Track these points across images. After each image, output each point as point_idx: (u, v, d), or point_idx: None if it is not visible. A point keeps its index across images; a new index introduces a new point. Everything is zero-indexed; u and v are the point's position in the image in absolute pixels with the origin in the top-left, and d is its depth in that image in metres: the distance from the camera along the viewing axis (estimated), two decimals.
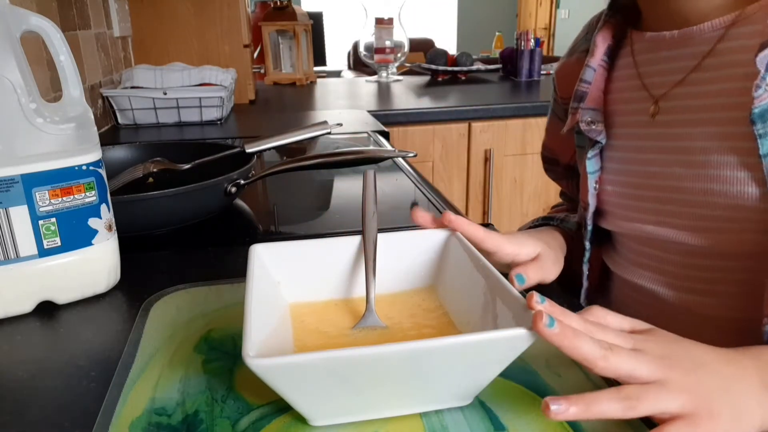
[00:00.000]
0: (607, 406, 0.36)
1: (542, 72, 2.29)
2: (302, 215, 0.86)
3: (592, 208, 0.66)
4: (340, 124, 0.97)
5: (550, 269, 0.60)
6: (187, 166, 0.85)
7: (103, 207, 0.58)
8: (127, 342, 0.50)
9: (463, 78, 2.32)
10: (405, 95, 1.96)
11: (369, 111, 1.64)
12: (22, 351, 0.51)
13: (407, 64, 2.46)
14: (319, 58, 3.65)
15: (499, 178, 1.77)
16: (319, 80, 2.35)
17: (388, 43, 2.34)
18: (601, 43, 0.64)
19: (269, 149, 0.87)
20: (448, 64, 2.33)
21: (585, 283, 0.70)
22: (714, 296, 0.57)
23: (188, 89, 1.48)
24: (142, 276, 0.63)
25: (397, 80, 2.34)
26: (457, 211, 0.83)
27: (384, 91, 2.08)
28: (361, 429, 0.39)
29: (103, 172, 0.58)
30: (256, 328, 0.38)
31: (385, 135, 1.37)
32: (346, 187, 0.98)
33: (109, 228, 0.59)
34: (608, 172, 0.65)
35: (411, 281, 0.53)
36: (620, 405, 0.36)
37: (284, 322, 0.47)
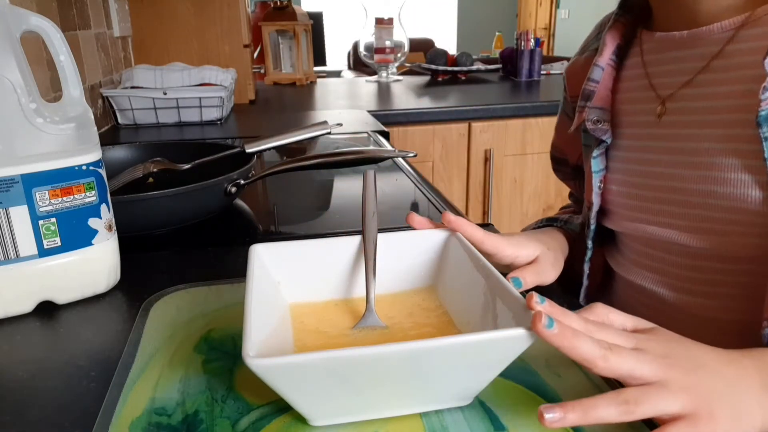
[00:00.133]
0: (605, 411, 0.36)
1: (542, 72, 2.29)
2: (302, 215, 0.86)
3: (595, 207, 0.66)
4: (340, 124, 0.97)
5: (548, 272, 0.60)
6: (187, 166, 0.85)
7: (103, 207, 0.58)
8: (127, 342, 0.50)
9: (463, 78, 2.32)
10: (405, 95, 1.96)
11: (369, 111, 1.64)
12: (22, 351, 0.51)
13: (407, 64, 2.46)
14: (319, 58, 3.65)
15: (499, 178, 1.77)
16: (319, 80, 2.35)
17: (388, 43, 2.34)
18: (610, 42, 0.64)
19: (269, 149, 0.87)
20: (448, 64, 2.33)
21: (585, 282, 0.70)
22: (715, 298, 0.57)
23: (188, 89, 1.48)
24: (142, 276, 0.63)
25: (397, 80, 2.34)
26: (457, 211, 0.83)
27: (384, 91, 2.08)
28: (361, 429, 0.39)
29: (103, 172, 0.58)
30: (256, 328, 0.38)
31: (385, 135, 1.37)
32: (346, 187, 0.98)
33: (109, 228, 0.59)
34: (613, 171, 0.65)
35: (411, 281, 0.53)
36: (619, 409, 0.36)
37: (284, 322, 0.47)
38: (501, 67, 2.37)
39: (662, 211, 0.59)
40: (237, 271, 0.60)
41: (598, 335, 0.38)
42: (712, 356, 0.41)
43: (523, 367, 0.45)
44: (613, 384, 0.43)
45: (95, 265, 0.59)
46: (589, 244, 0.68)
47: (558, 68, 2.55)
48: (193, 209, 0.75)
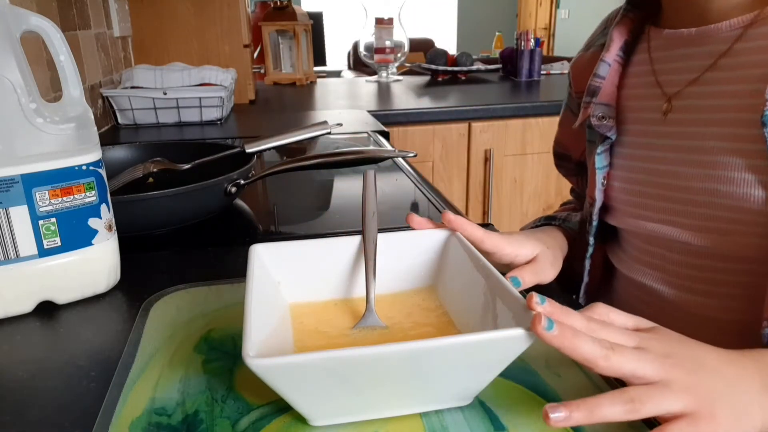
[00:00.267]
0: (609, 409, 0.36)
1: (542, 72, 2.29)
2: (302, 215, 0.86)
3: (598, 204, 0.66)
4: (340, 124, 0.97)
5: (547, 271, 0.60)
6: (187, 166, 0.85)
7: (103, 207, 0.58)
8: (127, 342, 0.50)
9: (463, 78, 2.32)
10: (405, 95, 1.96)
11: (369, 111, 1.64)
12: (22, 351, 0.51)
13: (407, 64, 2.46)
14: (319, 58, 3.65)
15: (499, 178, 1.77)
16: (319, 80, 2.35)
17: (388, 43, 2.34)
18: (618, 38, 0.63)
19: (269, 149, 0.87)
20: (448, 64, 2.33)
21: (585, 279, 0.70)
22: (716, 298, 0.57)
23: (188, 89, 1.48)
24: (142, 276, 0.63)
25: (397, 80, 2.34)
26: (457, 211, 0.83)
27: (384, 91, 2.08)
28: (361, 429, 0.39)
29: (103, 172, 0.58)
30: (256, 328, 0.38)
31: (385, 135, 1.37)
32: (346, 187, 0.98)
33: (109, 228, 0.59)
34: (617, 168, 0.64)
35: (411, 281, 0.53)
36: (623, 408, 0.36)
37: (284, 322, 0.47)
38: (501, 67, 2.37)
39: (665, 209, 0.59)
40: (237, 271, 0.60)
41: (600, 334, 0.38)
42: (713, 356, 0.41)
43: (523, 367, 0.45)
44: (613, 384, 0.43)
45: (95, 265, 0.59)
46: (591, 240, 0.68)
47: (558, 68, 2.55)
48: (193, 209, 0.75)
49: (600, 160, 0.64)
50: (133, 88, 1.47)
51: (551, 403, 0.36)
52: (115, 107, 1.46)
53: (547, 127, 1.73)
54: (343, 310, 0.50)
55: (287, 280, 0.50)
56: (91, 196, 0.57)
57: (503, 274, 0.45)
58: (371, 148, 1.22)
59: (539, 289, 0.60)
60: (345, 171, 1.03)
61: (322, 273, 0.51)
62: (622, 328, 0.40)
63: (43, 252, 0.55)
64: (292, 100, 1.92)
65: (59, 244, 0.55)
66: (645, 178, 0.61)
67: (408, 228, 0.53)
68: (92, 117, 0.58)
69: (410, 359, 0.36)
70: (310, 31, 2.18)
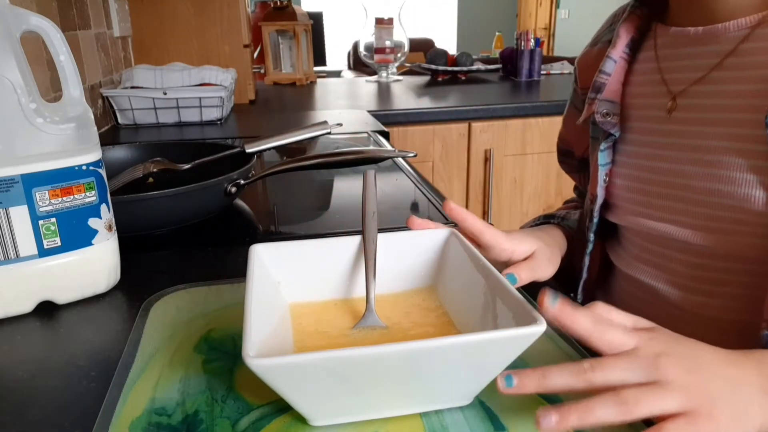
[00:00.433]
0: (603, 412, 0.36)
1: (542, 72, 2.29)
2: (302, 215, 0.86)
3: (599, 201, 0.66)
4: (340, 124, 0.97)
5: (544, 268, 0.60)
6: (187, 166, 0.85)
7: (103, 207, 0.58)
8: (127, 342, 0.50)
9: (463, 78, 2.32)
10: (405, 95, 1.96)
11: (369, 111, 1.64)
12: (22, 351, 0.51)
13: (407, 64, 2.46)
14: (319, 58, 3.65)
15: (499, 178, 1.77)
16: (319, 80, 2.35)
17: (388, 43, 2.34)
18: (624, 35, 0.63)
19: (269, 149, 0.87)
20: (448, 64, 2.33)
21: (584, 275, 0.70)
22: (716, 298, 0.57)
23: (188, 89, 1.48)
24: (142, 276, 0.63)
25: (397, 80, 2.34)
26: None
27: (384, 91, 2.08)
28: (361, 429, 0.39)
29: (103, 172, 0.58)
30: (256, 328, 0.38)
31: (385, 135, 1.37)
32: (346, 187, 0.98)
33: (109, 228, 0.59)
34: (619, 165, 0.64)
35: (411, 281, 0.53)
36: (617, 410, 0.36)
37: (284, 322, 0.47)
38: (501, 67, 2.37)
39: (666, 207, 0.59)
40: (237, 271, 0.60)
41: (606, 334, 0.38)
42: (712, 356, 0.41)
43: (523, 367, 0.45)
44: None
45: (95, 265, 0.59)
46: (591, 237, 0.68)
47: (558, 68, 2.55)
48: (193, 209, 0.75)
49: (603, 157, 0.64)
50: (133, 88, 1.46)
51: (543, 407, 0.36)
52: (115, 107, 1.46)
53: (547, 127, 1.73)
54: (343, 310, 0.50)
55: (287, 280, 0.50)
56: (91, 196, 0.57)
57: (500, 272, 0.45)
58: (371, 148, 1.22)
59: (537, 285, 0.60)
60: (345, 171, 1.03)
61: (322, 273, 0.51)
62: (623, 327, 0.40)
63: (43, 252, 0.55)
64: (292, 100, 1.92)
65: (59, 244, 0.55)
66: (647, 176, 0.61)
67: (408, 228, 0.53)
68: (92, 117, 0.58)
69: (410, 359, 0.36)
70: (310, 31, 2.18)
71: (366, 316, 0.47)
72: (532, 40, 2.22)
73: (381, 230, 0.52)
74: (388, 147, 1.27)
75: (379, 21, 2.32)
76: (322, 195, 0.95)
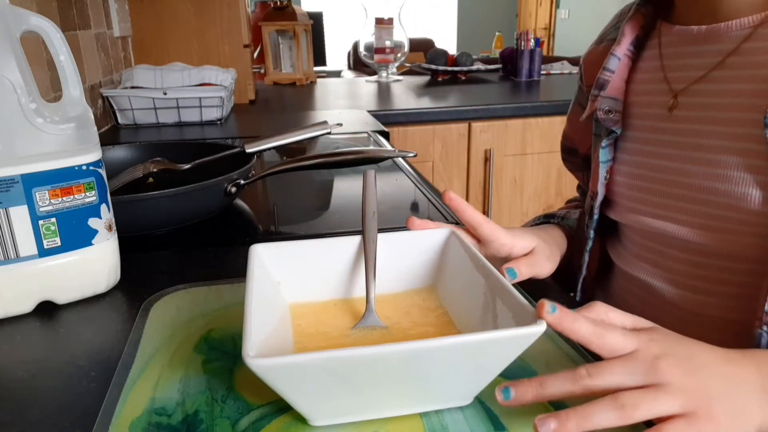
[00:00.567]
0: (601, 417, 0.36)
1: (542, 72, 2.29)
2: (302, 215, 0.86)
3: (600, 198, 0.66)
4: (340, 124, 0.97)
5: (543, 265, 0.60)
6: (187, 166, 0.85)
7: (103, 207, 0.58)
8: (127, 342, 0.50)
9: (463, 78, 2.32)
10: (405, 95, 1.96)
11: (369, 111, 1.64)
12: (22, 351, 0.51)
13: (407, 64, 2.46)
14: (319, 58, 3.65)
15: (499, 178, 1.77)
16: (319, 80, 2.35)
17: (388, 43, 2.34)
18: (629, 33, 0.63)
19: (269, 149, 0.87)
20: (448, 64, 2.33)
21: (583, 272, 0.70)
22: (714, 296, 0.57)
23: (188, 89, 1.48)
24: (142, 276, 0.63)
25: (397, 80, 2.34)
26: None
27: (384, 91, 2.08)
28: (361, 429, 0.39)
29: (103, 172, 0.58)
30: (256, 328, 0.38)
31: (385, 135, 1.37)
32: (346, 187, 0.98)
33: (109, 228, 0.59)
34: (620, 162, 0.65)
35: (411, 281, 0.53)
36: (616, 414, 0.36)
37: (284, 322, 0.47)
38: (501, 67, 2.37)
39: (665, 205, 0.59)
40: (237, 271, 0.60)
41: (605, 338, 0.39)
42: (711, 355, 0.41)
43: (523, 367, 0.45)
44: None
45: (95, 265, 0.59)
46: (591, 234, 0.68)
47: (558, 68, 2.55)
48: (193, 209, 0.75)
49: (604, 154, 0.65)
50: (133, 88, 1.46)
51: (541, 415, 0.36)
52: (115, 107, 1.46)
53: (547, 127, 1.73)
54: (343, 310, 0.50)
55: (287, 280, 0.50)
56: (91, 196, 0.57)
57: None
58: (371, 148, 1.22)
59: (536, 284, 0.60)
60: (345, 171, 1.03)
61: (322, 273, 0.51)
62: (622, 327, 0.40)
63: (43, 252, 0.55)
64: (292, 100, 1.92)
65: (59, 244, 0.55)
66: (647, 174, 0.61)
67: (408, 229, 0.53)
68: (92, 117, 0.58)
69: (410, 359, 0.36)
70: (310, 31, 2.18)
71: (366, 316, 0.47)
72: (532, 40, 2.22)
73: (381, 230, 0.52)
74: (388, 147, 1.27)
75: (379, 21, 2.32)
76: (322, 195, 0.95)
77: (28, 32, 0.54)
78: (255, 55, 2.22)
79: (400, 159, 1.09)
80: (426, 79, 2.37)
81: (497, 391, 0.38)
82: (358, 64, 2.99)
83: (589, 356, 0.46)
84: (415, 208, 0.87)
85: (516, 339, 0.37)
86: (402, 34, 2.36)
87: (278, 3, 2.14)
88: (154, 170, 0.84)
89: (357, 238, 0.52)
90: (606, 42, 0.69)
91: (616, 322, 0.41)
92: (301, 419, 0.39)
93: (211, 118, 1.51)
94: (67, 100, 0.57)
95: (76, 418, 0.41)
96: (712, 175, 0.55)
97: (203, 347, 0.49)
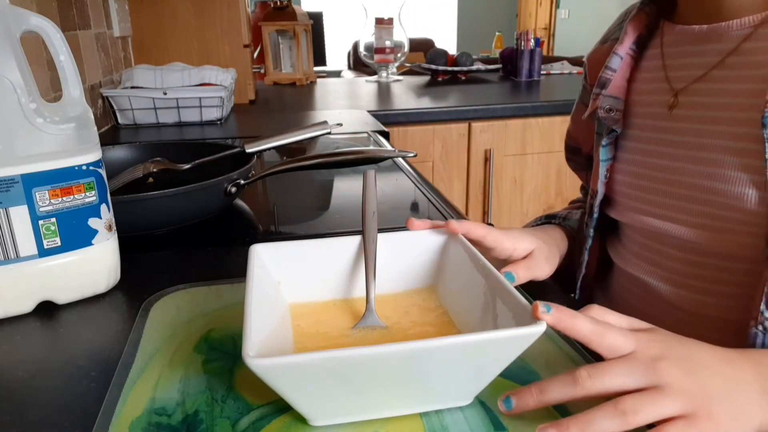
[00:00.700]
0: (603, 424, 0.36)
1: (542, 72, 2.29)
2: (302, 215, 0.86)
3: (599, 196, 0.66)
4: (340, 124, 0.97)
5: (541, 267, 0.60)
6: (187, 166, 0.85)
7: (103, 207, 0.58)
8: (127, 342, 0.50)
9: (463, 78, 2.32)
10: (405, 95, 1.96)
11: (369, 111, 1.64)
12: (22, 351, 0.51)
13: (407, 64, 2.46)
14: (319, 58, 3.65)
15: (499, 178, 1.77)
16: (319, 80, 2.35)
17: (388, 43, 2.34)
18: (632, 32, 0.64)
19: (269, 149, 0.87)
20: (448, 64, 2.33)
21: (583, 271, 0.70)
22: (713, 296, 0.57)
23: (188, 89, 1.48)
24: (142, 276, 0.63)
25: (397, 80, 2.34)
26: (457, 212, 0.83)
27: (384, 91, 2.07)
28: (361, 429, 0.39)
29: (103, 172, 0.58)
30: (256, 328, 0.38)
31: (385, 135, 1.37)
32: (346, 187, 0.98)
33: (109, 228, 0.59)
34: (620, 161, 0.65)
35: (411, 281, 0.53)
36: (617, 420, 0.36)
37: (284, 322, 0.47)
38: (501, 67, 2.37)
39: (664, 204, 0.59)
40: (237, 271, 0.60)
41: (604, 338, 0.39)
42: (710, 355, 0.41)
43: (523, 367, 0.45)
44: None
45: (95, 265, 0.59)
46: (591, 232, 0.68)
47: (558, 68, 2.55)
48: (193, 209, 0.75)
49: (604, 153, 0.65)
50: (133, 88, 1.46)
51: (542, 425, 0.36)
52: (115, 107, 1.46)
53: (547, 127, 1.73)
54: (343, 310, 0.50)
55: (287, 280, 0.50)
56: (91, 196, 0.57)
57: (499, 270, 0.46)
58: (371, 148, 1.22)
59: (536, 284, 0.60)
60: (345, 171, 1.03)
61: (322, 273, 0.51)
62: (620, 328, 0.40)
63: (43, 252, 0.55)
64: (292, 100, 1.92)
65: (59, 244, 0.55)
66: (646, 172, 0.61)
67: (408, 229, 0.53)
68: (92, 117, 0.58)
69: (410, 359, 0.36)
70: (310, 31, 2.18)
71: (366, 316, 0.47)
72: (532, 40, 2.22)
73: (381, 230, 0.52)
74: (388, 147, 1.27)
75: (379, 21, 2.32)
76: (322, 195, 0.95)
77: (28, 32, 0.54)
78: (255, 55, 2.22)
79: (400, 159, 1.09)
80: (426, 79, 2.37)
81: (499, 402, 0.39)
82: (358, 64, 2.99)
83: (589, 356, 0.46)
84: (415, 208, 0.87)
85: (516, 339, 0.37)
86: (402, 34, 2.36)
87: (278, 3, 2.14)
88: (154, 170, 0.84)
89: (357, 238, 0.52)
90: (610, 41, 0.69)
91: (612, 324, 0.41)
92: (301, 419, 0.39)
93: (211, 118, 1.51)
94: (67, 100, 0.57)
95: (76, 418, 0.41)
96: (711, 175, 0.55)
97: (203, 347, 0.49)
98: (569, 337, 0.39)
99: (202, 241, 0.74)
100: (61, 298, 0.57)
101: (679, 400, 0.37)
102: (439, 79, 2.32)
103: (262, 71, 2.23)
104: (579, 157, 0.79)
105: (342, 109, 1.72)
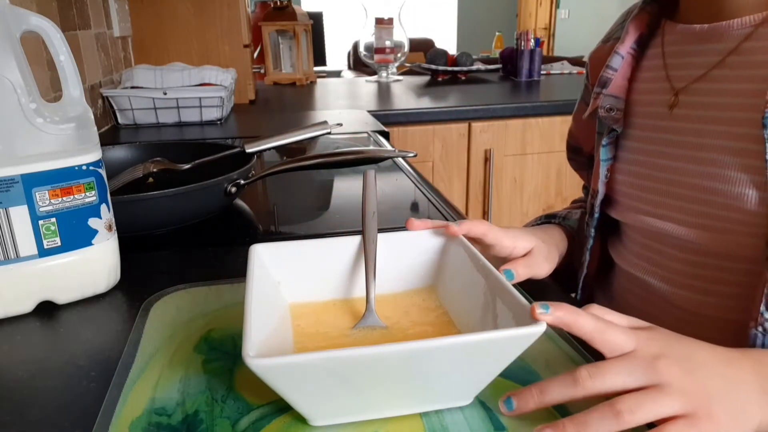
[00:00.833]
0: (600, 424, 0.36)
1: (542, 72, 2.29)
2: (302, 215, 0.86)
3: (600, 196, 0.66)
4: (340, 124, 0.97)
5: (541, 265, 0.60)
6: (187, 166, 0.85)
7: (103, 207, 0.58)
8: (127, 342, 0.50)
9: (463, 78, 2.32)
10: (405, 95, 1.96)
11: (369, 111, 1.64)
12: (22, 351, 0.51)
13: (407, 64, 2.46)
14: (319, 58, 3.65)
15: (499, 178, 1.77)
16: (319, 80, 2.35)
17: (388, 43, 2.34)
18: (633, 31, 0.63)
19: (269, 149, 0.87)
20: (448, 64, 2.33)
21: (584, 270, 0.70)
22: (713, 296, 0.57)
23: (188, 89, 1.48)
24: (142, 276, 0.63)
25: (397, 80, 2.34)
26: (457, 212, 0.83)
27: (384, 91, 2.07)
28: (361, 429, 0.39)
29: (103, 172, 0.58)
30: (256, 328, 0.38)
31: (385, 135, 1.37)
32: (346, 187, 0.98)
33: (109, 228, 0.59)
34: (621, 161, 0.65)
35: (411, 281, 0.53)
36: (615, 421, 0.36)
37: (284, 322, 0.47)
38: (501, 67, 2.37)
39: (664, 204, 0.59)
40: (237, 271, 0.60)
41: (606, 335, 0.39)
42: (710, 355, 0.41)
43: (523, 367, 0.45)
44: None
45: (95, 265, 0.59)
46: (592, 232, 0.68)
47: (558, 68, 2.55)
48: (193, 209, 0.75)
49: (605, 152, 0.65)
50: (133, 88, 1.46)
51: (539, 426, 0.37)
52: (115, 107, 1.46)
53: (547, 127, 1.73)
54: (343, 310, 0.50)
55: (287, 280, 0.50)
56: (91, 196, 0.57)
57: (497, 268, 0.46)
58: (371, 148, 1.22)
59: (536, 284, 0.60)
60: (345, 171, 1.03)
61: (322, 273, 0.51)
62: (621, 327, 0.41)
63: (43, 252, 0.55)
64: (292, 100, 1.92)
65: (59, 244, 0.55)
66: (646, 172, 0.61)
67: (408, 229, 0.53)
68: (92, 117, 0.58)
69: (410, 359, 0.36)
70: (310, 31, 2.18)
71: (366, 316, 0.47)
72: (532, 40, 2.22)
73: (381, 230, 0.52)
74: (388, 147, 1.27)
75: (379, 21, 2.32)
76: (322, 195, 0.95)
77: (28, 32, 0.54)
78: (255, 55, 2.22)
79: (400, 159, 1.09)
80: (426, 79, 2.37)
81: (500, 403, 0.39)
82: (358, 64, 2.99)
83: (589, 356, 0.46)
84: (415, 208, 0.87)
85: (516, 339, 0.37)
86: (402, 34, 2.36)
87: (278, 3, 2.14)
88: (154, 170, 0.84)
89: (357, 238, 0.52)
90: (612, 40, 0.69)
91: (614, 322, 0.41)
92: (301, 419, 0.39)
93: (211, 118, 1.51)
94: (67, 100, 0.57)
95: (76, 418, 0.41)
96: (711, 175, 0.55)
97: (203, 347, 0.49)
98: (571, 334, 0.39)
99: (202, 241, 0.74)
100: (61, 298, 0.57)
101: (679, 400, 0.37)
102: (439, 79, 2.32)
103: (262, 71, 2.23)
104: (580, 156, 0.79)
105: (342, 109, 1.72)
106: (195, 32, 1.75)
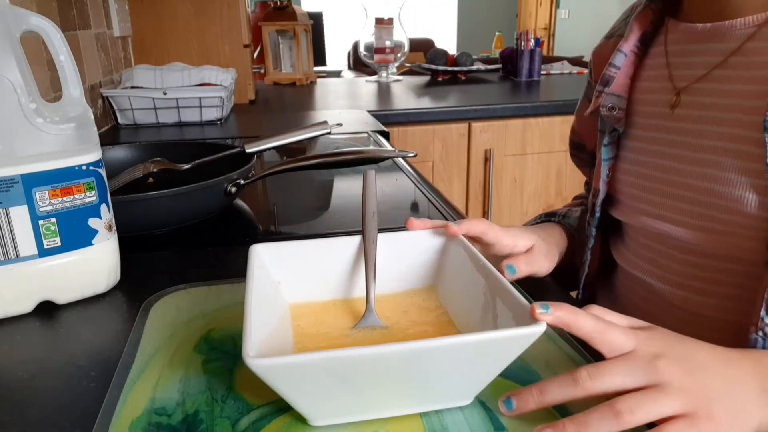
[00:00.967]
0: (599, 424, 0.36)
1: (542, 72, 2.29)
2: (302, 215, 0.86)
3: (601, 196, 0.66)
4: (340, 124, 0.97)
5: (541, 262, 0.61)
6: (187, 166, 0.85)
7: (103, 207, 0.58)
8: (127, 342, 0.50)
9: (463, 78, 2.32)
10: (405, 95, 1.96)
11: (369, 111, 1.64)
12: (22, 351, 0.51)
13: (407, 64, 2.46)
14: (319, 58, 3.65)
15: (499, 178, 1.77)
16: (319, 80, 2.35)
17: (388, 43, 2.34)
18: (637, 29, 0.63)
19: (269, 149, 0.87)
20: (448, 64, 2.33)
21: (586, 270, 0.70)
22: (713, 297, 0.57)
23: (188, 89, 1.48)
24: (142, 276, 0.63)
25: (397, 80, 2.34)
26: (457, 212, 0.83)
27: (384, 91, 2.07)
28: (361, 429, 0.39)
29: (103, 172, 0.58)
30: (256, 328, 0.38)
31: (385, 135, 1.37)
32: (346, 187, 0.98)
33: (109, 228, 0.59)
34: (622, 160, 0.64)
35: (411, 281, 0.53)
36: (614, 421, 0.36)
37: (284, 322, 0.47)
38: (501, 67, 2.37)
39: (664, 205, 0.59)
40: (237, 271, 0.60)
41: (606, 335, 0.39)
42: (710, 355, 0.41)
43: (523, 367, 0.45)
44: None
45: (95, 265, 0.59)
46: (593, 232, 0.68)
47: (558, 68, 2.55)
48: (193, 209, 0.75)
49: (606, 152, 0.64)
50: (133, 88, 1.47)
51: (539, 426, 0.37)
52: (115, 107, 1.46)
53: (547, 127, 1.73)
54: (343, 310, 0.50)
55: (287, 280, 0.50)
56: (91, 196, 0.57)
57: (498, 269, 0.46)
58: (371, 148, 1.22)
59: (535, 283, 0.60)
60: (345, 171, 1.03)
61: (322, 273, 0.51)
62: (621, 327, 0.41)
63: (43, 252, 0.55)
64: (292, 100, 1.92)
65: (59, 244, 0.55)
66: (648, 173, 0.61)
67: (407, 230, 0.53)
68: (92, 117, 0.58)
69: (410, 359, 0.36)
70: (310, 31, 2.18)
71: (366, 316, 0.47)
72: (532, 40, 2.22)
73: (381, 230, 0.52)
74: (388, 147, 1.27)
75: (379, 21, 2.32)
76: (322, 195, 0.95)
77: (28, 32, 0.54)
78: (255, 55, 2.22)
79: (400, 159, 1.09)
80: (426, 79, 2.37)
81: (500, 403, 0.39)
82: (358, 64, 2.99)
83: (589, 356, 0.46)
84: (415, 208, 0.87)
85: (516, 339, 0.37)
86: (402, 34, 2.36)
87: (278, 3, 2.14)
88: (154, 170, 0.84)
89: (357, 238, 0.52)
90: (615, 37, 0.68)
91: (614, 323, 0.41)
92: (301, 419, 0.39)
93: (211, 118, 1.51)
94: (67, 100, 0.57)
95: (76, 418, 0.41)
96: (711, 177, 0.54)
97: (203, 347, 0.49)
98: (571, 334, 0.39)
99: (202, 241, 0.74)
100: (61, 298, 0.57)
101: (679, 400, 0.37)
102: (439, 79, 2.32)
103: (262, 71, 2.23)
104: (583, 153, 0.79)
105: (342, 109, 1.72)
106: (195, 32, 1.75)
